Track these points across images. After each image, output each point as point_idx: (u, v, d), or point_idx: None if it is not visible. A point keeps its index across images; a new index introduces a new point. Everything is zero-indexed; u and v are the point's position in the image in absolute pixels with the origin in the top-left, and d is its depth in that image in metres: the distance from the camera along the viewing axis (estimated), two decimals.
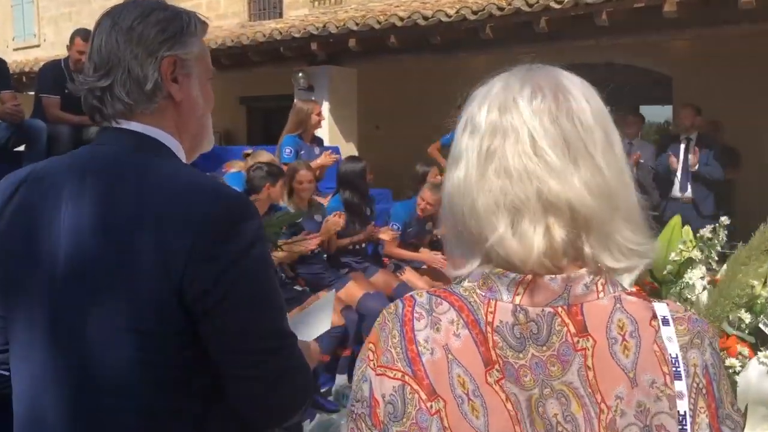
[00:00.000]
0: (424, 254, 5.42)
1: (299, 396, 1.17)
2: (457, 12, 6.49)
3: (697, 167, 6.09)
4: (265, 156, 4.97)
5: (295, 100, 8.43)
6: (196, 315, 1.06)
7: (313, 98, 6.15)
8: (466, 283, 0.85)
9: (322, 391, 4.46)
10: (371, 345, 0.86)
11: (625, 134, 6.83)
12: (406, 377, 0.82)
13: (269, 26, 8.71)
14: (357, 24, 7.17)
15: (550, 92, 0.83)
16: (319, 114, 5.71)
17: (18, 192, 1.15)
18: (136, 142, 1.14)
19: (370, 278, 4.95)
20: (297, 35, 7.69)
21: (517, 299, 0.81)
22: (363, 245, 5.07)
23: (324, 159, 5.56)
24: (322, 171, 5.60)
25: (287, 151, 5.58)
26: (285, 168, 5.48)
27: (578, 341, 0.80)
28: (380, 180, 6.63)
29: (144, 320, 1.05)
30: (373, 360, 0.85)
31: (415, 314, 0.84)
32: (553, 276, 0.80)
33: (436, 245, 5.65)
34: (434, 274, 5.36)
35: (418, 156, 6.86)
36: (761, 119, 7.28)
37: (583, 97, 0.85)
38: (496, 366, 0.80)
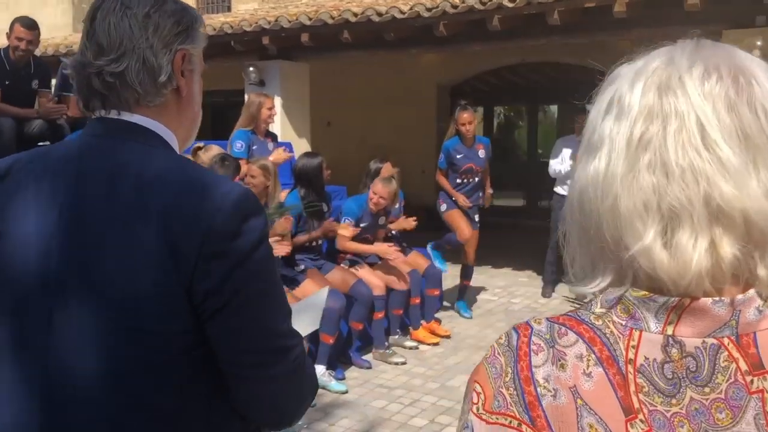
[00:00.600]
0: (379, 246, 5.39)
1: (306, 397, 1.15)
2: (411, 9, 6.49)
3: None
4: (216, 150, 4.87)
5: (247, 94, 8.34)
6: (205, 313, 1.01)
7: (265, 93, 6.05)
8: (597, 309, 0.70)
9: None
10: (477, 385, 0.71)
11: (577, 132, 6.96)
12: (523, 426, 0.67)
13: (218, 20, 8.56)
14: (310, 19, 7.10)
15: (727, 73, 0.67)
16: (271, 108, 5.60)
17: (12, 173, 1.10)
18: (137, 136, 1.10)
19: (326, 275, 4.90)
20: (248, 29, 7.58)
21: (669, 329, 0.66)
22: (319, 242, 5.02)
23: (276, 155, 5.48)
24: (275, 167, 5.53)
25: (238, 145, 5.48)
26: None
27: (752, 381, 0.64)
28: (333, 176, 6.57)
29: (146, 319, 1.00)
30: (478, 404, 0.69)
31: (532, 346, 0.69)
32: (718, 298, 0.65)
33: (389, 240, 5.64)
34: (386, 268, 5.34)
35: (371, 152, 6.84)
36: None
37: None
38: (640, 416, 0.65)
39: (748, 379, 0.64)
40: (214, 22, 8.40)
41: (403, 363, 5.03)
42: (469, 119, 5.82)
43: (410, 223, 5.56)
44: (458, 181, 5.99)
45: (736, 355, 0.64)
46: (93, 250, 1.02)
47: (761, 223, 0.63)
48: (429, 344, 5.47)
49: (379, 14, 6.66)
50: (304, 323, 1.58)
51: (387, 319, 5.28)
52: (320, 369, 4.60)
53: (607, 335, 0.68)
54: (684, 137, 0.65)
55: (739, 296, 0.64)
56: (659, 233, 0.65)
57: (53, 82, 5.66)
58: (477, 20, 6.38)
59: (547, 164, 7.32)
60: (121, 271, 1.00)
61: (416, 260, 5.71)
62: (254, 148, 5.56)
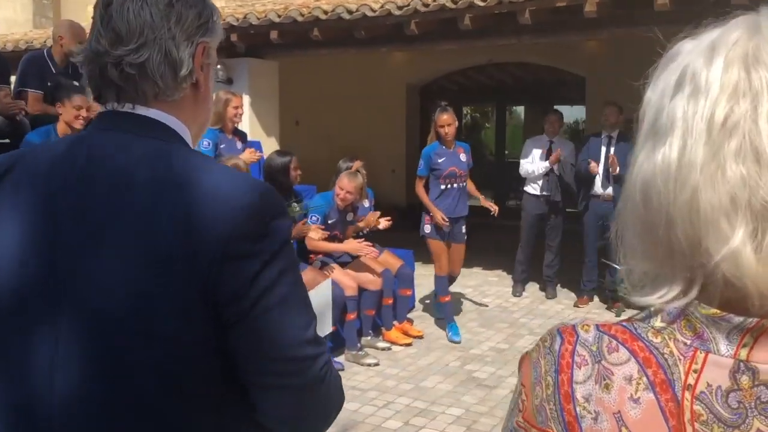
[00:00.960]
0: (348, 244, 5.32)
1: (333, 409, 1.07)
2: (381, 7, 6.43)
3: (618, 170, 6.26)
4: None
5: (214, 92, 8.20)
6: (228, 319, 0.94)
7: (232, 91, 5.93)
8: (657, 323, 0.61)
9: None
10: (522, 388, 0.65)
11: (546, 132, 6.98)
12: None
13: None
14: (279, 16, 7.00)
15: None
16: (238, 107, 5.50)
17: (6, 179, 1.02)
18: (153, 131, 1.02)
19: None
20: None
21: (743, 353, 0.57)
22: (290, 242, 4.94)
23: (247, 156, 5.38)
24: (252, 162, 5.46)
25: (205, 143, 5.37)
26: None
27: None
28: (302, 175, 6.49)
29: (156, 324, 0.93)
30: (522, 411, 0.64)
31: (575, 357, 0.62)
32: None
33: (357, 238, 5.58)
34: (358, 268, 5.28)
35: (341, 151, 6.77)
36: None
37: None
38: None
39: None
40: None
41: (376, 364, 4.97)
42: (448, 121, 5.49)
43: (385, 222, 5.52)
44: (441, 187, 5.59)
45: None
46: (96, 251, 0.95)
47: None
48: (402, 345, 5.42)
49: (350, 12, 6.58)
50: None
51: (359, 319, 5.22)
52: None
53: (665, 356, 0.59)
54: None
55: None
56: (750, 235, 0.55)
57: (12, 78, 5.49)
58: (448, 19, 6.34)
59: (515, 164, 7.32)
60: (129, 275, 0.93)
61: (388, 260, 5.65)
62: (222, 146, 5.46)
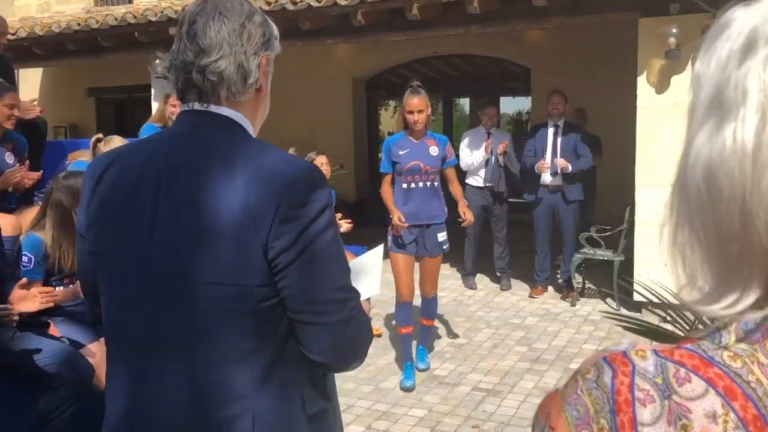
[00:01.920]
0: None
1: (362, 343, 1.32)
2: None
3: (570, 169, 6.26)
4: (117, 142, 4.47)
5: (153, 88, 7.88)
6: (278, 269, 1.20)
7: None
8: (732, 342, 0.51)
9: None
10: None
11: (484, 125, 6.93)
12: None
13: (119, 11, 8.03)
14: None
15: None
16: (176, 105, 5.24)
17: (108, 170, 1.32)
18: (225, 125, 1.29)
19: None
20: (153, 19, 7.12)
21: None
22: None
23: None
24: None
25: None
26: None
27: None
28: None
29: (228, 274, 1.19)
30: None
31: (636, 393, 0.49)
32: None
33: None
34: None
35: (288, 147, 6.55)
36: (616, 107, 7.63)
37: None
38: None
39: None
40: (115, 12, 7.88)
41: None
42: (419, 106, 4.38)
43: (346, 225, 5.27)
44: (404, 185, 4.50)
45: None
46: (185, 217, 1.22)
47: None
48: None
49: (294, 2, 6.38)
50: (364, 285, 1.63)
51: None
52: None
53: (752, 385, 0.48)
54: None
55: None
56: None
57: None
58: (395, 9, 6.21)
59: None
60: (211, 233, 1.19)
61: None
62: None
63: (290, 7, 6.38)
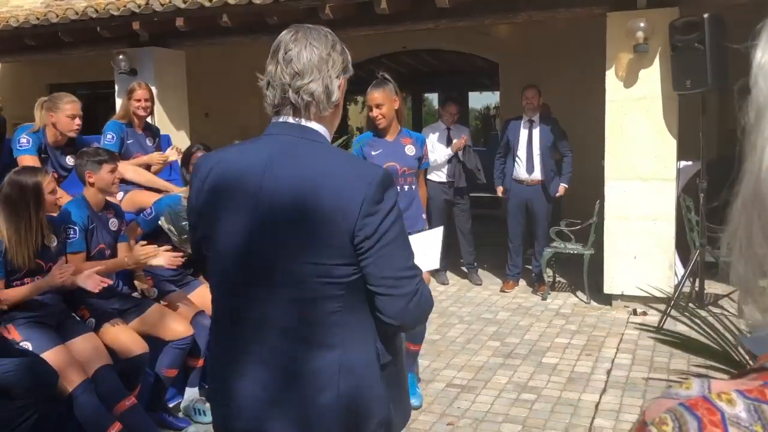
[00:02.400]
0: None
1: (425, 309, 1.65)
2: None
3: (561, 184, 6.48)
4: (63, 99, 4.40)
5: (117, 84, 7.69)
6: (360, 252, 1.52)
7: (140, 82, 5.45)
8: None
9: (170, 406, 3.99)
10: None
11: (444, 121, 6.92)
12: None
13: (80, 5, 7.83)
14: (185, 2, 6.60)
15: None
16: (140, 99, 5.07)
17: (213, 169, 1.62)
18: (311, 135, 1.59)
19: (195, 291, 4.50)
20: (116, 13, 6.95)
21: None
22: None
23: (154, 158, 5.00)
24: (160, 167, 5.07)
25: (109, 137, 4.96)
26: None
27: None
28: None
29: (323, 255, 1.51)
30: None
31: None
32: None
33: None
34: None
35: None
36: (585, 101, 7.67)
37: None
38: None
39: None
40: (75, 6, 7.68)
41: None
42: (377, 99, 3.88)
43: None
44: None
45: None
46: (282, 206, 1.52)
47: None
48: None
49: None
50: (425, 260, 1.88)
51: None
52: (193, 393, 4.03)
53: None
54: None
55: None
56: None
57: None
58: (364, 3, 6.14)
59: None
60: (307, 222, 1.50)
61: None
62: (129, 142, 5.06)
63: (257, 1, 6.27)
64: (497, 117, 12.35)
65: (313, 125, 1.60)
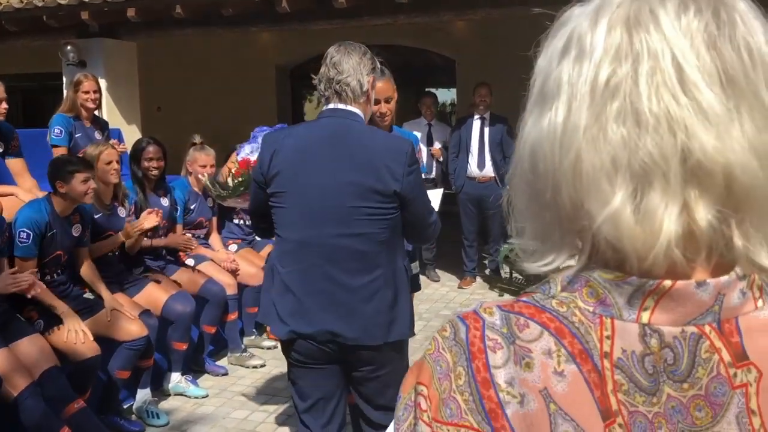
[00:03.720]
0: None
1: (437, 229, 2.45)
2: None
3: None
4: None
5: (65, 76, 7.43)
6: (402, 201, 2.25)
7: (88, 73, 5.26)
8: (557, 292, 0.60)
9: (124, 407, 3.87)
10: (422, 387, 0.60)
11: (424, 116, 6.89)
12: None
13: None
14: None
15: (707, 6, 0.57)
16: (88, 91, 4.90)
17: (285, 140, 2.32)
18: (351, 116, 2.28)
19: (171, 276, 4.41)
20: (63, 2, 6.71)
21: (644, 316, 0.56)
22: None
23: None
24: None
25: (57, 131, 4.79)
26: (56, 150, 4.70)
27: (735, 374, 0.56)
28: (169, 165, 6.03)
29: (375, 201, 2.22)
30: (427, 410, 0.59)
31: (487, 341, 0.59)
32: (703, 281, 0.55)
33: (239, 230, 5.21)
34: (240, 258, 4.91)
35: (208, 139, 6.31)
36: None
37: (755, 19, 0.58)
38: (619, 419, 0.55)
39: (731, 371, 0.56)
40: None
41: (263, 365, 4.64)
42: (389, 91, 3.07)
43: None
44: None
45: (719, 344, 0.56)
46: (344, 166, 2.22)
47: (745, 180, 0.54)
48: None
49: None
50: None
51: (240, 320, 4.87)
52: (175, 376, 4.16)
53: (576, 324, 0.58)
54: (659, 79, 0.55)
55: (724, 278, 0.56)
56: (629, 196, 0.55)
57: None
58: None
59: None
60: (361, 177, 2.21)
61: (269, 253, 5.32)
62: (77, 136, 4.88)
63: None
64: (453, 114, 12.39)
65: (353, 109, 2.28)
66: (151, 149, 4.34)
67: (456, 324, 0.61)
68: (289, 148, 2.26)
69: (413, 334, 2.46)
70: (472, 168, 6.50)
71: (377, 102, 3.07)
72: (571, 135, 0.58)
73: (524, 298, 0.61)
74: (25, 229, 3.36)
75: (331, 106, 2.28)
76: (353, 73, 2.24)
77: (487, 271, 6.88)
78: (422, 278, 7.06)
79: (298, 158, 2.24)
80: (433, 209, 2.40)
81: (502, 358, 0.58)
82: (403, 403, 0.62)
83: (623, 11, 0.58)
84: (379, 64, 2.41)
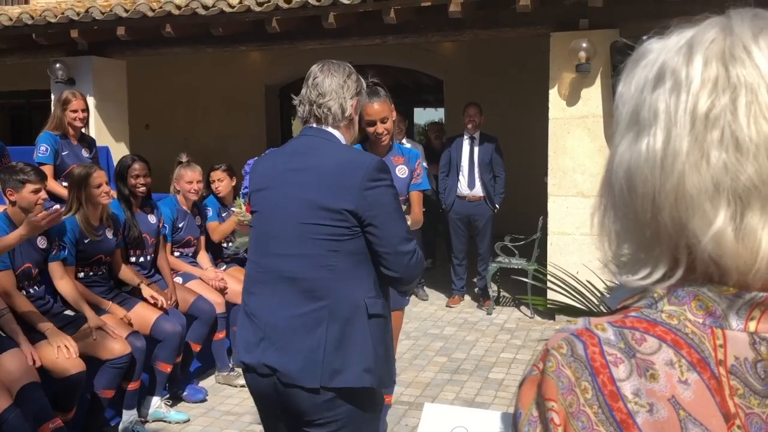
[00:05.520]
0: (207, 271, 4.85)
1: (419, 268, 2.12)
2: (240, 2, 6.07)
3: (498, 193, 6.51)
4: None
5: (54, 94, 7.42)
6: (362, 222, 2.01)
7: (75, 91, 5.24)
8: (666, 306, 0.64)
9: (111, 426, 3.83)
10: (551, 403, 0.63)
11: (395, 136, 6.92)
12: None
13: (14, 11, 7.55)
14: (126, 11, 6.43)
15: None
16: (77, 111, 4.89)
17: (257, 164, 2.28)
18: (328, 137, 2.13)
19: (129, 313, 4.32)
20: (53, 20, 6.72)
21: (752, 325, 0.62)
22: (148, 257, 4.47)
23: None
24: None
25: (42, 149, 4.78)
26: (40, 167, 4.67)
27: None
28: (154, 184, 6.02)
29: (333, 222, 2.00)
30: (560, 425, 0.62)
31: (607, 356, 0.62)
32: None
33: (223, 250, 5.20)
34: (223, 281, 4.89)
35: (196, 157, 6.32)
36: (528, 119, 7.80)
37: None
38: (737, 421, 0.60)
39: None
40: (9, 12, 7.40)
41: None
42: (384, 112, 3.13)
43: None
44: None
45: None
46: (302, 185, 2.06)
47: None
48: None
49: (206, 7, 6.16)
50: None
51: (228, 338, 4.83)
52: (155, 400, 4.08)
53: (690, 336, 0.62)
54: (756, 110, 0.60)
55: None
56: (730, 217, 0.60)
57: None
58: (311, 17, 6.10)
59: None
60: (323, 196, 2.01)
61: None
62: (64, 154, 4.87)
63: (201, 12, 6.17)
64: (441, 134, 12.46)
65: (330, 130, 2.14)
66: (137, 166, 4.33)
67: (572, 341, 0.64)
68: (259, 171, 2.20)
69: (389, 385, 2.18)
70: (462, 187, 6.53)
71: (373, 123, 3.13)
72: (673, 159, 0.62)
73: (633, 313, 0.65)
74: None
75: (311, 125, 2.15)
76: (335, 96, 2.10)
77: (476, 290, 6.88)
78: (411, 297, 7.07)
79: (264, 180, 2.15)
80: (411, 237, 2.07)
81: (626, 372, 0.61)
82: (526, 419, 0.65)
83: (717, 47, 0.63)
84: (365, 86, 2.22)
